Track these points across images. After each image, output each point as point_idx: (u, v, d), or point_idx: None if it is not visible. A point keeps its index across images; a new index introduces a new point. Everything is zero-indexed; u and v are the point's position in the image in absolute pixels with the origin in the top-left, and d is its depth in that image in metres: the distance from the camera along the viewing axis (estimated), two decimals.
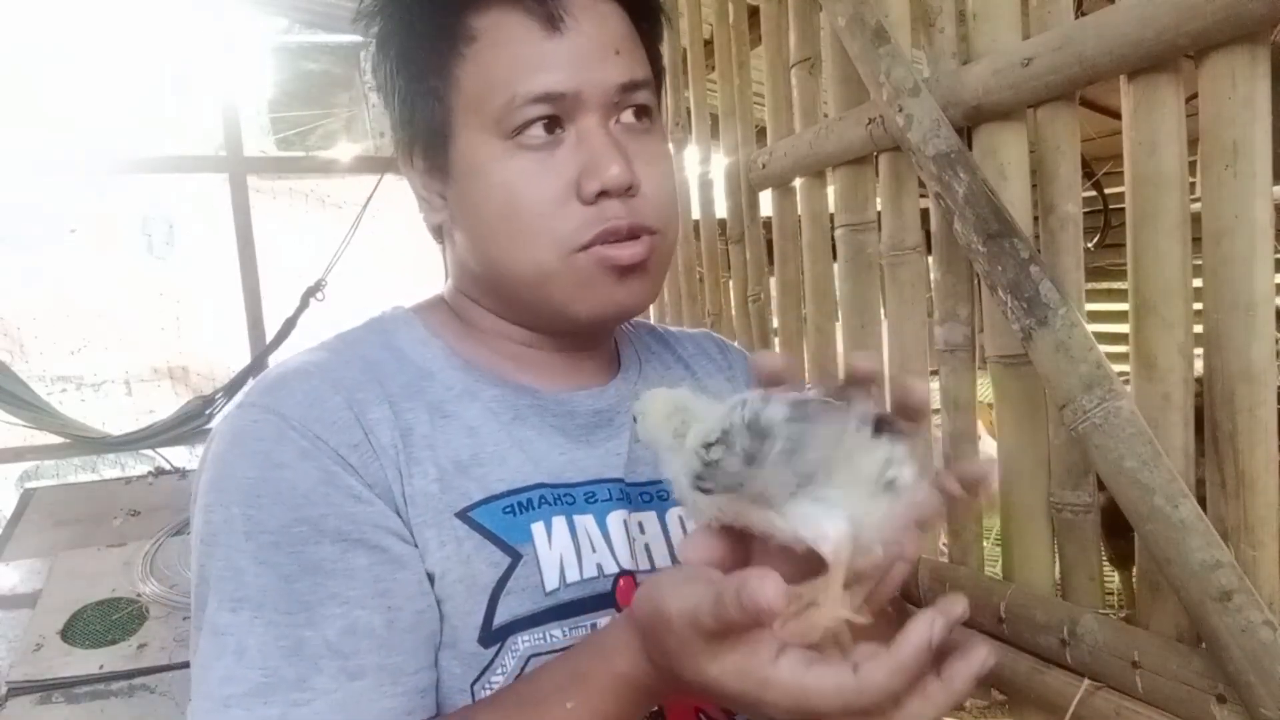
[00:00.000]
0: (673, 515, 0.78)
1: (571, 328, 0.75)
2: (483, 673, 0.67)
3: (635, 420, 0.61)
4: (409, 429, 0.69)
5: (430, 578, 0.67)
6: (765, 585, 0.46)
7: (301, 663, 0.61)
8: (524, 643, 0.68)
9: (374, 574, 0.64)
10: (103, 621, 2.10)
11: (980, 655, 0.51)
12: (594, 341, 0.80)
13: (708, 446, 0.54)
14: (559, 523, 0.72)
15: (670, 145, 0.77)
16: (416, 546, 0.67)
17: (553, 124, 0.68)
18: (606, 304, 0.71)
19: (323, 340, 0.77)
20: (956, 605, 0.51)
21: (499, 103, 0.68)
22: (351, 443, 0.66)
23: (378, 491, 0.66)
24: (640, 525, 0.76)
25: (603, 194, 0.68)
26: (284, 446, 0.64)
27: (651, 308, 2.75)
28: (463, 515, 0.69)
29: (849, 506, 0.52)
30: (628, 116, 0.71)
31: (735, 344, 0.95)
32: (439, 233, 0.79)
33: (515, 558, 0.69)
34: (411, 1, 0.71)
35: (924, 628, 0.49)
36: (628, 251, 0.69)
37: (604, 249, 0.69)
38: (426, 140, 0.73)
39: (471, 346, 0.77)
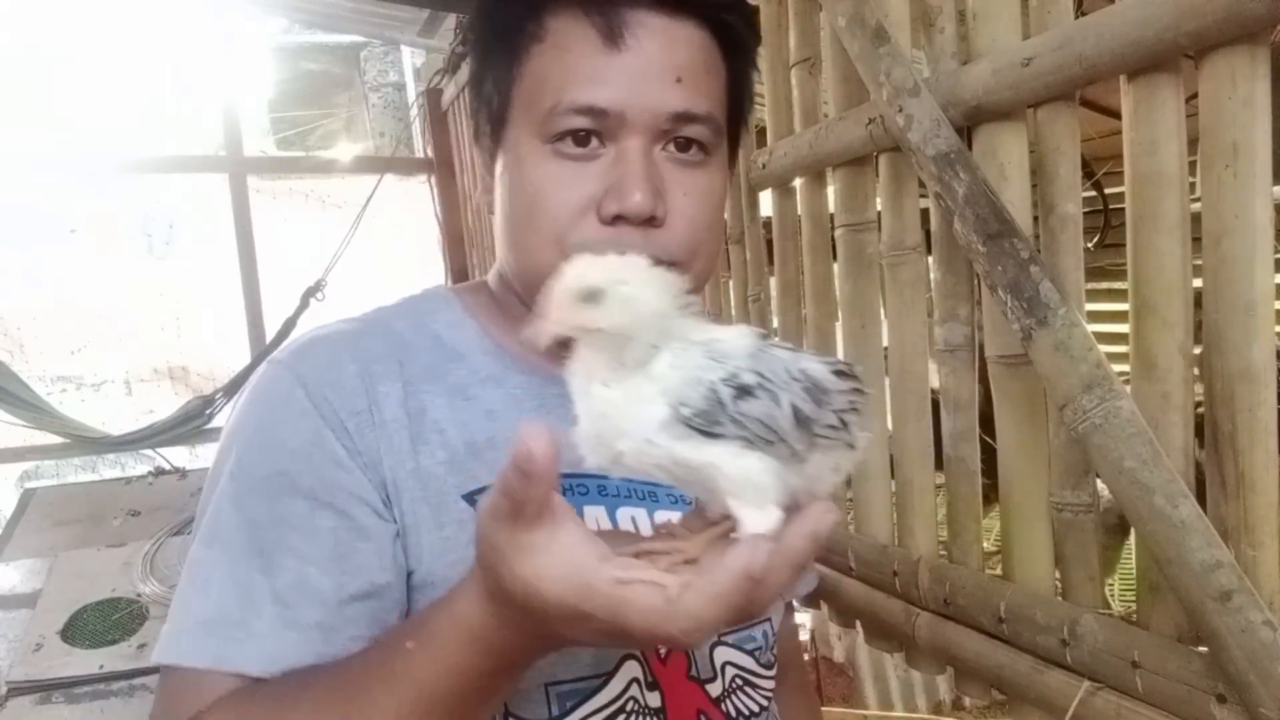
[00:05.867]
0: (661, 516, 0.78)
1: None
2: None
3: (599, 296, 0.48)
4: (421, 410, 0.71)
5: (416, 556, 0.69)
6: (532, 435, 0.46)
7: (249, 604, 0.65)
8: None
9: (335, 538, 0.67)
10: (103, 621, 2.09)
11: (819, 513, 0.48)
12: None
13: (741, 390, 0.46)
14: None
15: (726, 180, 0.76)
16: (395, 522, 0.69)
17: (590, 137, 0.69)
18: None
19: (362, 312, 0.80)
20: (823, 515, 0.48)
21: (545, 106, 0.69)
22: (354, 409, 0.69)
23: (365, 460, 0.68)
24: (633, 520, 0.76)
25: (620, 218, 0.68)
26: (289, 404, 0.68)
27: None
28: (469, 498, 0.70)
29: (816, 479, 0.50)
30: (677, 145, 0.70)
31: None
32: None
33: None
34: None
35: (744, 554, 0.46)
36: None
37: None
38: (489, 123, 0.76)
39: (504, 331, 0.78)
